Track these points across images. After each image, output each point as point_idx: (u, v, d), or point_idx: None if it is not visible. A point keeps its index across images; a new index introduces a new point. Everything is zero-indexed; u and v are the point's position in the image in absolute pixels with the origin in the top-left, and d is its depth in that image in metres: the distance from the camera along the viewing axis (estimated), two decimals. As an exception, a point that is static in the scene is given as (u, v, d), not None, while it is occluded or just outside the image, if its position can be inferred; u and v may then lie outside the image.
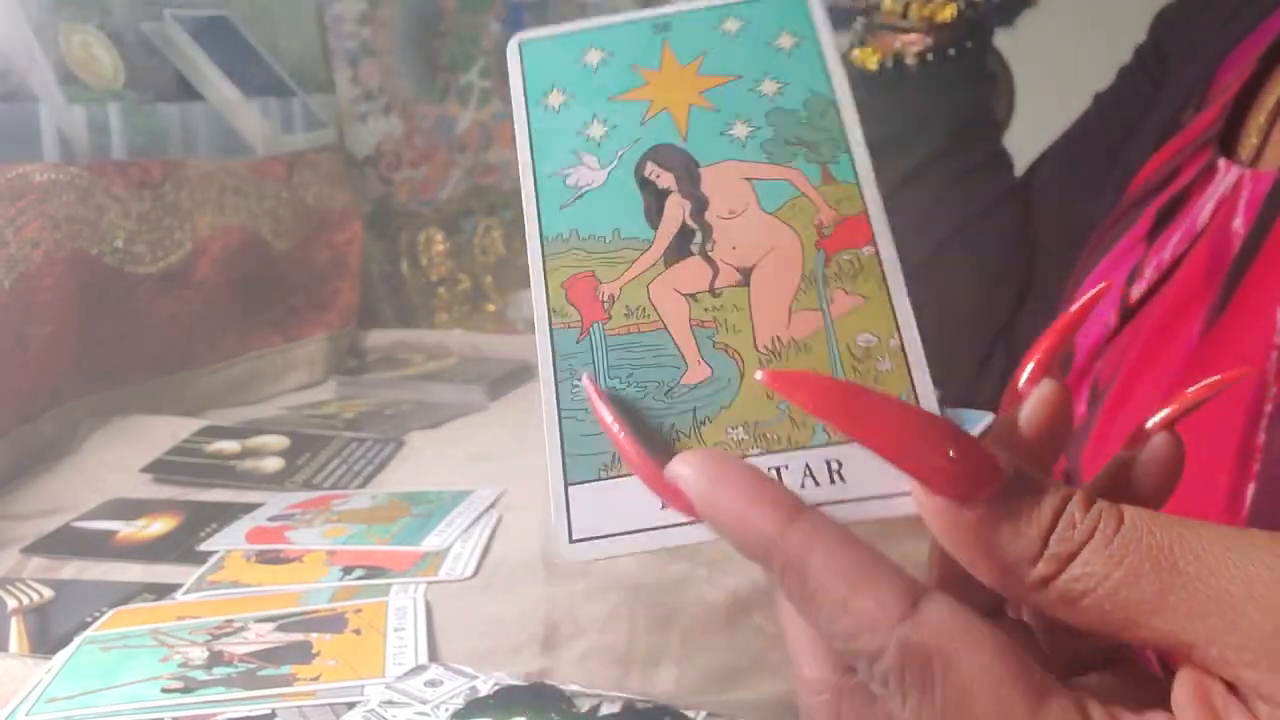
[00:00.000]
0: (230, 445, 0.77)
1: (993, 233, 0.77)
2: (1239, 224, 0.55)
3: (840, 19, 0.75)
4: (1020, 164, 0.82)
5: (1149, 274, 0.60)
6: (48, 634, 0.51)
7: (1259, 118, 0.59)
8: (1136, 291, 0.60)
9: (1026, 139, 0.84)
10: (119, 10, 1.00)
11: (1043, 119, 0.88)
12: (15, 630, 0.52)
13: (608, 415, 0.27)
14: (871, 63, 0.77)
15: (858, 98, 0.80)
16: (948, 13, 0.73)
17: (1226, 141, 0.61)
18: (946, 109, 0.76)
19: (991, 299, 0.77)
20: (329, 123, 1.19)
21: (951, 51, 0.75)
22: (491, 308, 1.33)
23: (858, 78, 0.78)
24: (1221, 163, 0.59)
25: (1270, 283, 0.50)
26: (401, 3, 1.37)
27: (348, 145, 1.37)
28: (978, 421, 0.71)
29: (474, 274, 1.36)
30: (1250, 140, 0.59)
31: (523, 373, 0.99)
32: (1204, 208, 0.58)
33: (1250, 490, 0.48)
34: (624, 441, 0.27)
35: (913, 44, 0.75)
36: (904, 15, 0.75)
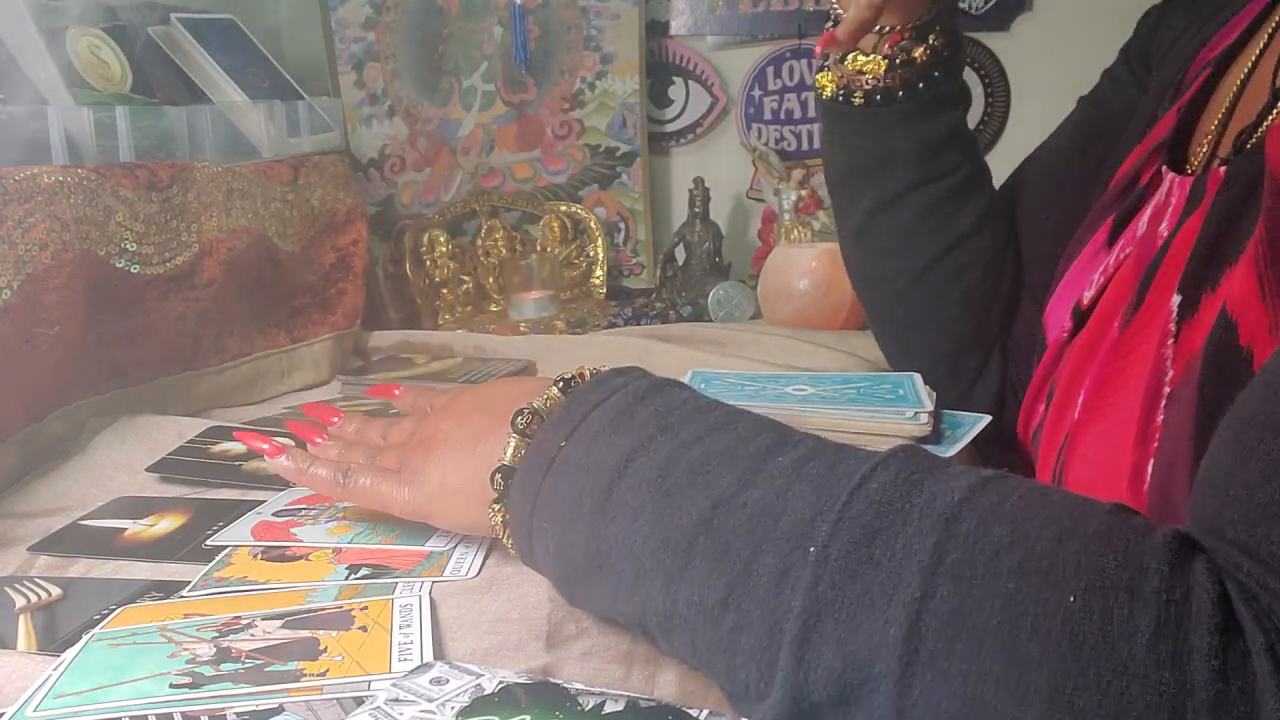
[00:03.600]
0: (236, 446, 0.78)
1: (975, 256, 0.76)
2: (1164, 228, 0.56)
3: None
4: (1010, 168, 0.83)
5: (1097, 279, 0.61)
6: (55, 632, 0.52)
7: (1208, 126, 0.59)
8: (1087, 297, 0.62)
9: (1021, 141, 0.84)
10: (126, 14, 1.01)
11: (1038, 121, 0.89)
12: (23, 628, 0.53)
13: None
14: (827, 91, 0.75)
15: (825, 125, 0.79)
16: (876, 66, 0.71)
17: (1181, 148, 0.61)
18: (912, 143, 0.73)
19: (981, 314, 0.77)
20: (334, 126, 1.19)
21: (900, 94, 0.72)
22: (494, 308, 1.34)
23: (821, 104, 0.77)
24: (1164, 172, 0.59)
25: (1172, 274, 0.52)
26: (405, 8, 1.37)
27: (352, 148, 1.38)
28: (974, 424, 0.72)
29: (476, 275, 1.36)
30: (1200, 150, 0.59)
31: (526, 372, 0.99)
32: (1145, 215, 0.59)
33: (1150, 467, 0.49)
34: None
35: (860, 83, 0.72)
36: (840, 60, 0.72)
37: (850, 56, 0.71)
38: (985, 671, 0.33)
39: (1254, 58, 0.58)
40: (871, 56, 0.71)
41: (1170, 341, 0.50)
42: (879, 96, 0.72)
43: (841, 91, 0.74)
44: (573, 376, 0.51)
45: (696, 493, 0.41)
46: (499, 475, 0.49)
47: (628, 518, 0.43)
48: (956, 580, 0.34)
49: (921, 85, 0.72)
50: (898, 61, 0.71)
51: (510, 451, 0.49)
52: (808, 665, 0.36)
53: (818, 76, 0.76)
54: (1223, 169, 0.53)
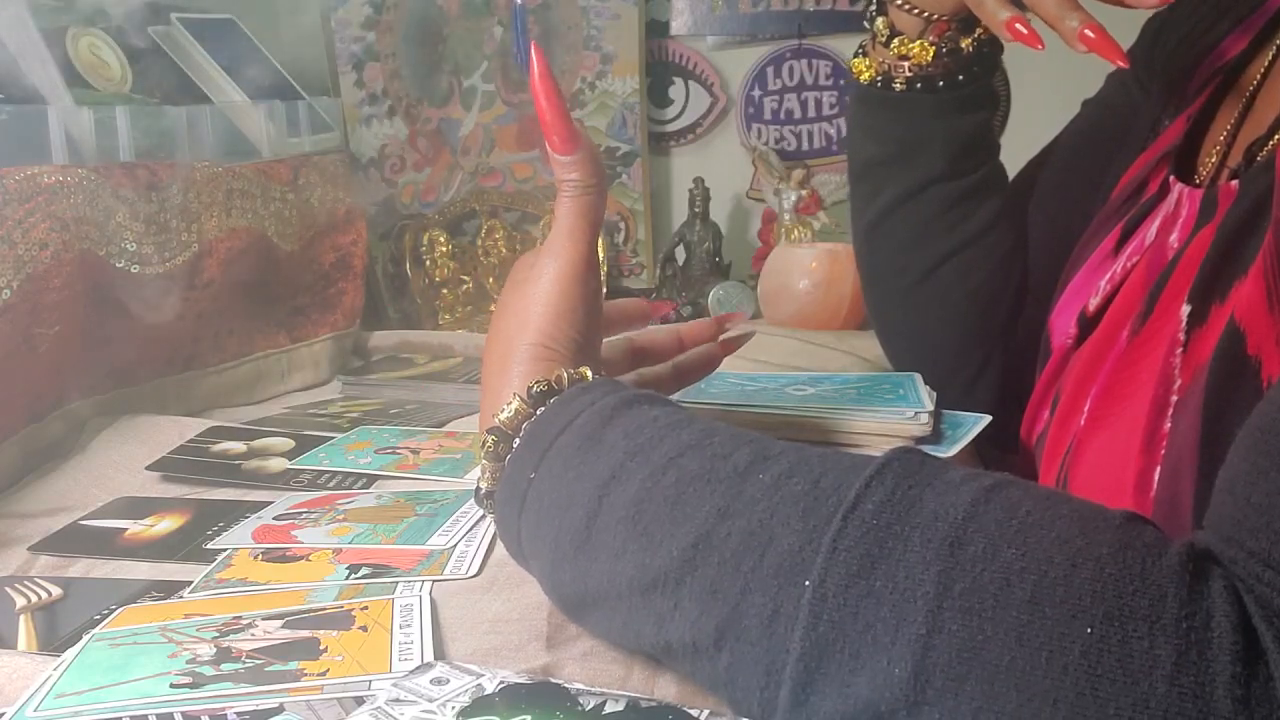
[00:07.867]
0: (236, 446, 0.78)
1: (985, 255, 0.77)
2: (1174, 239, 0.56)
3: (843, 22, 0.75)
4: (1014, 168, 0.82)
5: (1104, 288, 0.61)
6: (56, 632, 0.52)
7: (1218, 135, 0.59)
8: (1093, 304, 0.62)
9: (1023, 143, 0.84)
10: (126, 14, 1.01)
11: (1040, 123, 0.89)
12: (24, 628, 0.53)
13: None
14: (865, 76, 0.75)
15: (857, 113, 0.80)
16: (923, 52, 0.71)
17: (1189, 157, 0.61)
18: (943, 135, 0.74)
19: (986, 314, 0.77)
20: (334, 126, 1.19)
21: (941, 84, 0.72)
22: (494, 308, 1.34)
23: (856, 90, 0.77)
24: (1173, 182, 0.59)
25: (1183, 284, 0.52)
26: (405, 7, 1.37)
27: (352, 148, 1.38)
28: (975, 424, 0.72)
29: (476, 275, 1.36)
30: (1209, 160, 0.59)
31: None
32: (1153, 224, 0.59)
33: (1157, 473, 0.49)
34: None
35: (901, 69, 0.73)
36: (886, 44, 0.72)
37: (896, 41, 0.71)
38: (998, 710, 0.31)
39: (1265, 67, 0.58)
40: (918, 43, 0.71)
41: (1179, 350, 0.50)
42: (920, 84, 0.72)
43: (880, 78, 0.74)
44: (547, 386, 0.49)
45: (676, 528, 0.39)
46: (484, 496, 0.50)
47: (609, 558, 0.41)
48: (965, 613, 0.32)
49: (962, 77, 0.72)
50: (944, 50, 0.71)
51: (486, 477, 0.49)
52: (810, 708, 0.34)
53: (854, 62, 0.76)
54: (1234, 183, 0.53)
